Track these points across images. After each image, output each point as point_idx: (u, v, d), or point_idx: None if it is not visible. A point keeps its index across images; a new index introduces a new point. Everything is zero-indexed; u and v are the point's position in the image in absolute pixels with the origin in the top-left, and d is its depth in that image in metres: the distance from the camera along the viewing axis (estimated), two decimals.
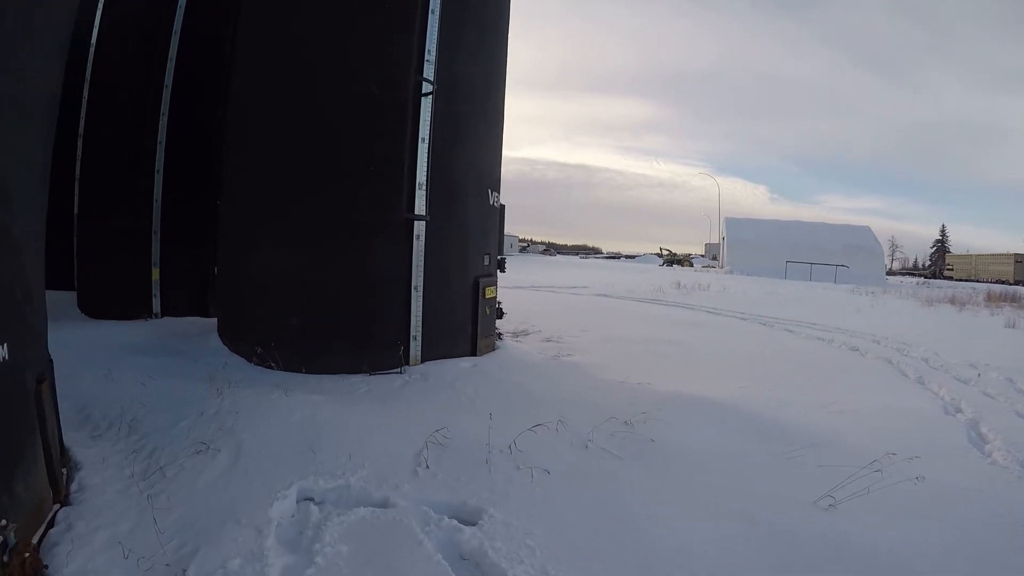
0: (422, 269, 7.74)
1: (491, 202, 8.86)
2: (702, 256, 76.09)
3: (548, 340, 10.92)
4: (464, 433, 5.31)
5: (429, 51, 7.60)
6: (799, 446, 5.74)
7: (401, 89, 7.38)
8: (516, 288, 20.07)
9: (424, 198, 7.63)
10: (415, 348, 7.84)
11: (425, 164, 7.63)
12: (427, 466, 4.75)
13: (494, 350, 9.14)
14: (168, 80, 10.99)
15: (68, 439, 5.13)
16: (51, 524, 3.83)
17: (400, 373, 7.50)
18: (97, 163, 11.43)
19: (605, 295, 20.26)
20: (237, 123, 8.63)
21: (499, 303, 9.89)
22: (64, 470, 4.63)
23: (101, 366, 6.87)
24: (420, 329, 7.84)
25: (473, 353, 8.57)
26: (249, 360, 7.84)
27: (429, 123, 7.65)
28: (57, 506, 4.03)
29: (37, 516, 3.71)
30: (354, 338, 7.57)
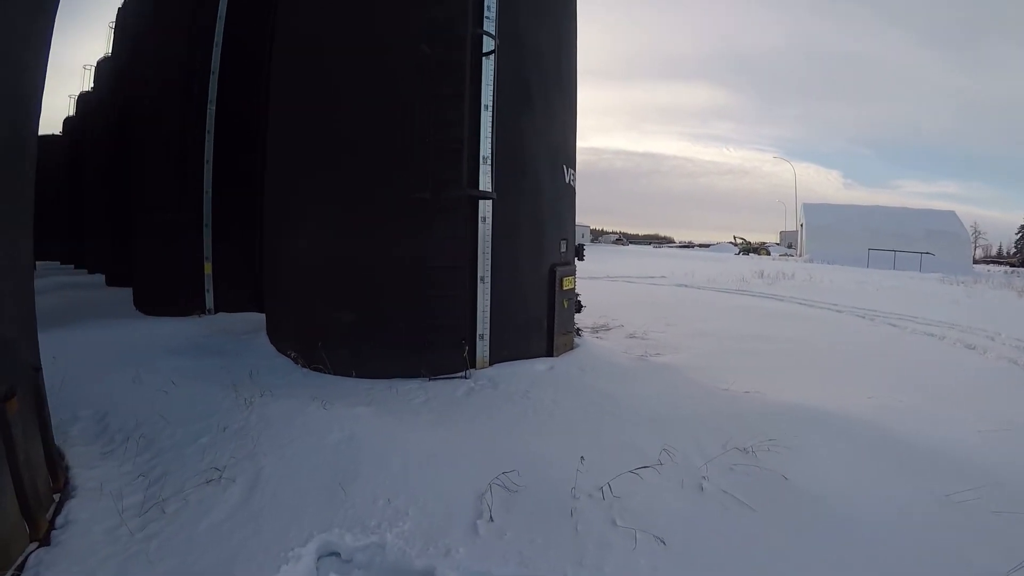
0: (489, 256, 6.50)
1: (567, 180, 7.54)
2: (777, 244, 72.09)
3: (632, 336, 9.53)
4: (541, 466, 4.05)
5: (488, 5, 6.35)
6: (963, 484, 4.19)
7: (457, 46, 6.11)
8: (591, 279, 18.64)
9: (490, 174, 6.38)
10: (482, 348, 6.63)
11: (489, 134, 6.37)
12: (491, 518, 3.50)
13: (573, 349, 7.84)
14: (215, 65, 10.17)
15: (78, 455, 4.52)
16: (21, 568, 3.17)
17: (465, 378, 6.30)
18: (146, 155, 10.80)
19: (685, 285, 18.54)
20: (279, 90, 7.61)
21: (577, 295, 8.60)
22: (56, 497, 3.93)
23: (134, 368, 6.29)
24: (488, 326, 6.61)
25: (549, 353, 7.30)
26: (296, 362, 6.84)
27: (492, 87, 6.38)
28: (34, 545, 3.36)
29: (2, 559, 3.09)
30: (412, 337, 6.40)
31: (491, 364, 6.66)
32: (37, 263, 22.13)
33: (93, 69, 19.70)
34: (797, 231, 65.49)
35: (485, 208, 6.43)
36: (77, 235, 20.33)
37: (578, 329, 8.84)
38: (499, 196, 6.47)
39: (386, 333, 6.46)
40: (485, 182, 6.35)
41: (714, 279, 20.13)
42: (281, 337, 7.48)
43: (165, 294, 10.33)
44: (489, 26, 6.29)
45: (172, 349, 7.56)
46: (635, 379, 6.67)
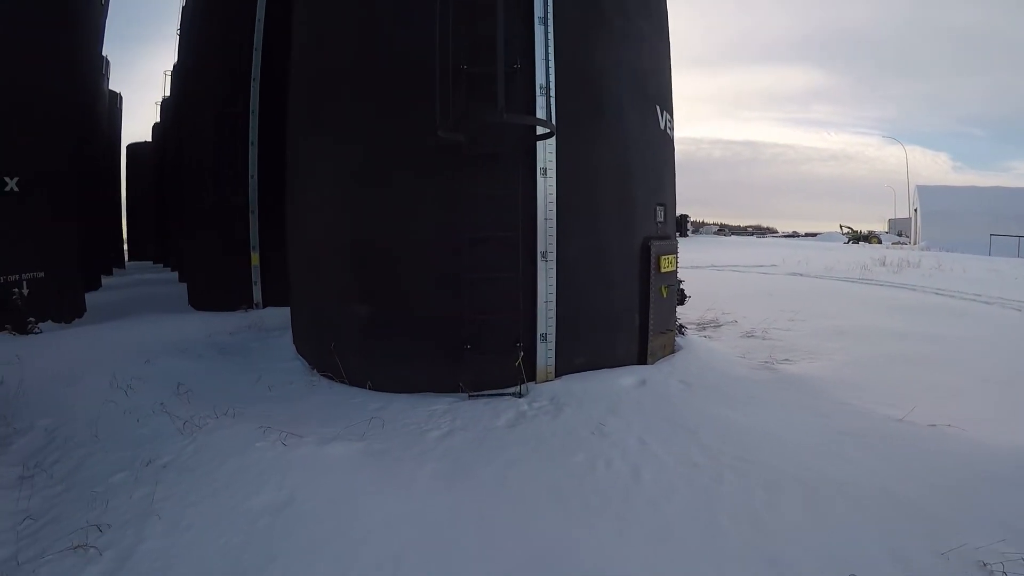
0: (554, 223, 4.44)
1: (662, 125, 5.30)
2: (886, 232, 64.94)
3: (749, 335, 7.14)
4: None
5: None
6: None
7: None
8: (694, 268, 15.87)
9: (547, 108, 4.33)
10: (545, 354, 4.58)
11: (545, 56, 4.33)
12: None
13: (673, 352, 5.63)
14: (257, 41, 8.65)
15: None
16: None
17: (517, 396, 4.30)
18: (192, 143, 9.47)
19: (800, 274, 15.39)
20: (295, 32, 5.91)
21: (680, 282, 6.37)
22: None
23: (123, 369, 5.15)
24: (553, 322, 4.55)
25: (642, 359, 5.12)
26: (312, 366, 5.09)
27: None
28: None
29: None
30: (444, 337, 4.47)
31: (558, 375, 4.61)
32: (133, 262, 22.22)
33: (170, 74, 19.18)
34: (911, 217, 58.34)
35: (546, 155, 4.36)
36: (164, 234, 19.98)
37: (680, 326, 6.59)
38: (568, 140, 4.41)
39: (410, 333, 4.60)
40: (544, 118, 4.29)
41: (831, 267, 16.84)
42: (298, 336, 5.75)
43: (213, 288, 9.08)
44: None
45: (181, 347, 6.38)
46: (765, 403, 4.41)
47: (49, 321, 7.96)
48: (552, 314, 4.55)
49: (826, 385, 5.00)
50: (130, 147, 23.56)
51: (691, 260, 17.13)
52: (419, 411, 3.98)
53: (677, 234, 6.08)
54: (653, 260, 5.08)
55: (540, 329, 4.54)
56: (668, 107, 5.48)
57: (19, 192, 7.72)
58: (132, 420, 3.87)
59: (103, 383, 4.74)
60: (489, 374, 4.43)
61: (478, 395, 4.32)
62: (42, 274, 7.96)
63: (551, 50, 4.33)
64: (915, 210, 56.43)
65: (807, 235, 62.82)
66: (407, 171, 4.58)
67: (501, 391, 4.39)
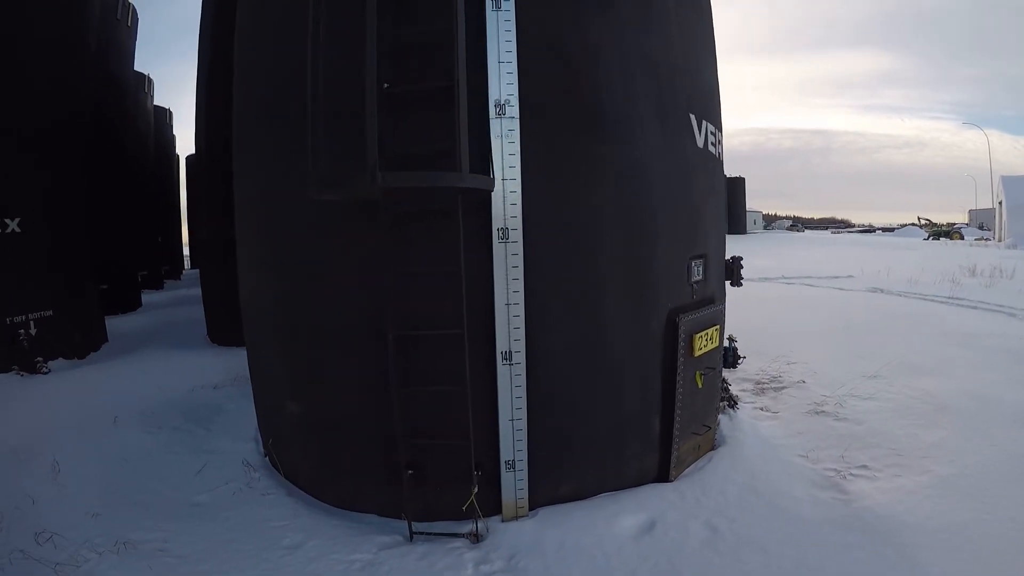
0: (521, 309, 2.79)
1: (700, 143, 3.50)
2: (967, 225, 58.57)
3: (819, 409, 5.19)
4: None
5: None
6: None
7: None
8: (762, 281, 13.74)
9: (514, 136, 2.68)
10: (513, 484, 2.96)
11: (511, 50, 2.69)
12: None
13: (713, 449, 3.89)
14: None
15: None
16: None
17: (474, 540, 2.76)
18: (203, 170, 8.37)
19: (880, 289, 12.80)
20: None
21: (731, 340, 4.59)
22: None
23: (70, 447, 4.58)
24: (523, 444, 2.92)
25: (662, 474, 3.42)
26: (264, 451, 4.02)
27: None
28: None
29: None
30: (380, 455, 3.01)
31: (536, 506, 3.01)
32: (194, 270, 21.93)
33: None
34: (994, 210, 52.17)
35: (506, 209, 2.71)
36: None
37: (731, 396, 4.82)
38: (545, 178, 2.75)
39: (344, 442, 3.16)
40: (504, 155, 2.65)
41: (915, 279, 14.12)
42: (256, 408, 4.40)
43: (228, 323, 8.06)
44: None
45: (152, 413, 5.53)
46: None
47: (60, 359, 7.35)
48: (522, 435, 2.91)
49: (922, 539, 3.11)
50: (189, 158, 23.33)
51: (760, 269, 14.84)
52: (333, 561, 2.86)
53: (730, 283, 4.28)
54: (683, 341, 3.33)
55: (505, 455, 2.92)
56: (712, 117, 3.66)
57: (20, 233, 7.06)
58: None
59: (31, 473, 4.10)
60: (442, 503, 2.90)
61: (422, 533, 2.78)
62: (50, 312, 7.35)
63: (512, 46, 2.67)
64: (999, 202, 50.33)
65: (884, 230, 57.65)
66: (323, 237, 3.07)
67: (453, 532, 2.83)
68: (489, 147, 2.65)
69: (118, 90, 12.24)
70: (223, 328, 8.31)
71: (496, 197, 2.68)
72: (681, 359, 3.35)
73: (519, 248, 2.73)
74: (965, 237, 45.59)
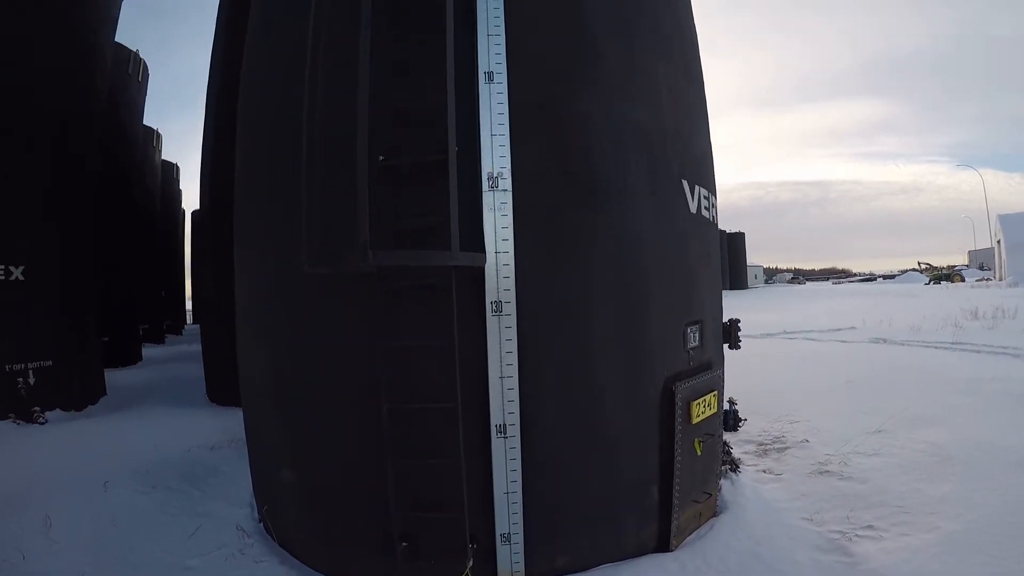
0: (515, 382, 2.75)
1: (694, 208, 3.52)
2: (967, 267, 58.62)
3: (823, 469, 5.05)
4: None
5: None
6: None
7: None
8: (764, 337, 13.67)
9: (507, 210, 2.70)
10: (509, 558, 2.86)
11: (498, 121, 2.73)
12: None
13: (714, 515, 3.78)
14: None
15: None
16: None
17: None
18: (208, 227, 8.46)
19: (883, 339, 12.64)
20: None
21: (731, 403, 4.52)
22: None
23: (64, 502, 4.53)
24: (518, 518, 2.83)
25: (662, 543, 3.30)
26: (259, 516, 3.88)
27: (502, 46, 2.78)
28: None
29: None
30: (374, 526, 2.91)
31: None
32: (196, 325, 21.94)
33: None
34: (993, 249, 52.22)
35: (499, 282, 2.70)
36: None
37: (732, 460, 4.72)
38: (538, 253, 2.75)
39: (337, 511, 3.07)
40: (497, 228, 2.66)
41: (917, 326, 14.04)
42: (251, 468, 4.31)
43: (226, 383, 7.99)
44: None
45: (146, 472, 5.45)
46: None
47: (58, 410, 7.32)
48: (517, 508, 2.83)
49: None
50: (194, 213, 23.69)
51: (762, 325, 14.73)
52: None
53: (728, 346, 4.23)
54: (680, 409, 3.27)
55: (500, 528, 2.84)
56: (705, 182, 3.69)
57: (24, 281, 7.12)
58: None
59: (22, 525, 4.07)
60: (435, 574, 2.80)
61: None
62: (50, 362, 7.35)
63: (504, 119, 2.72)
64: (998, 241, 50.50)
65: (885, 277, 57.90)
66: (318, 307, 3.08)
67: None
68: (481, 220, 2.66)
69: (127, 144, 12.51)
70: (222, 387, 8.23)
71: (489, 270, 2.68)
72: (679, 427, 3.28)
73: (512, 321, 2.71)
74: (966, 279, 45.62)
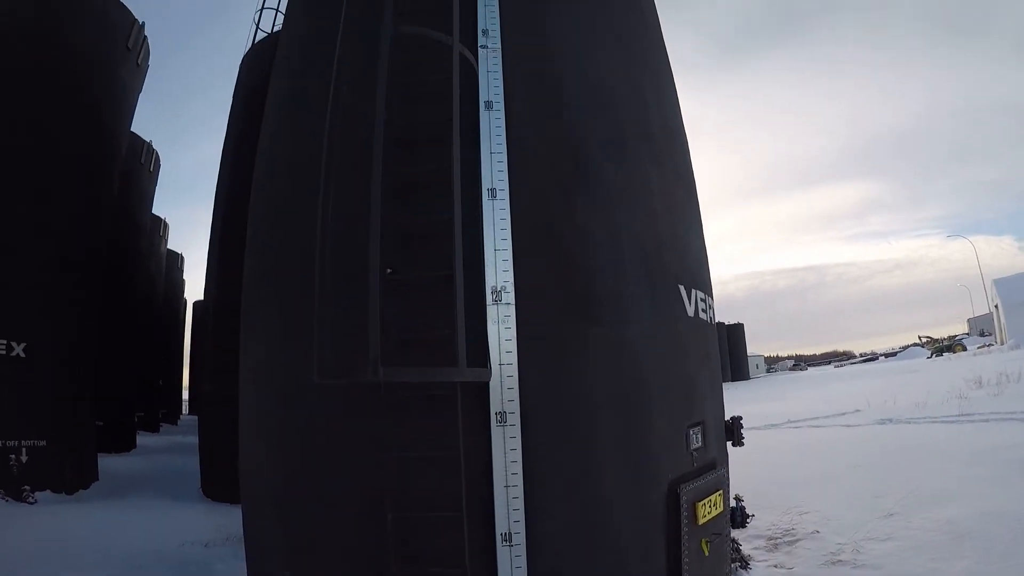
0: (520, 491, 2.76)
1: (691, 312, 3.64)
2: (967, 335, 58.63)
3: (834, 560, 4.92)
4: None
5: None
6: None
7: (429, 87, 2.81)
8: (768, 428, 13.37)
9: (502, 320, 2.81)
10: None
11: (501, 236, 2.89)
12: None
13: None
14: None
15: None
16: None
17: None
18: (212, 320, 8.60)
19: (890, 420, 12.47)
20: None
21: (738, 500, 4.48)
22: None
23: None
24: None
25: None
26: None
27: (504, 163, 2.99)
28: None
29: None
30: None
31: None
32: (191, 416, 21.67)
33: None
34: (992, 314, 52.36)
35: (503, 393, 2.78)
36: None
37: (742, 557, 4.64)
38: (540, 363, 2.84)
39: None
40: (501, 340, 2.76)
41: (922, 402, 13.91)
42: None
43: (224, 476, 7.88)
44: (490, 42, 2.95)
45: (139, 566, 5.33)
46: None
47: (48, 491, 7.23)
48: None
49: None
50: (196, 304, 23.98)
51: (765, 416, 14.58)
52: None
53: (731, 444, 4.25)
54: (686, 511, 3.27)
55: None
56: (702, 284, 3.83)
57: (25, 358, 7.16)
58: None
59: None
60: None
61: None
62: (44, 442, 7.32)
63: (507, 234, 2.88)
64: (995, 306, 50.73)
65: (887, 355, 57.81)
66: (326, 413, 3.13)
67: None
68: (486, 333, 2.77)
69: (135, 231, 12.86)
70: (219, 483, 8.09)
71: (493, 381, 2.76)
72: (685, 529, 3.27)
73: (517, 431, 2.77)
74: (968, 347, 45.48)
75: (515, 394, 2.77)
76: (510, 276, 2.84)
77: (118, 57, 9.29)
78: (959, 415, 11.97)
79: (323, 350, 2.78)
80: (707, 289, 3.83)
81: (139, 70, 10.03)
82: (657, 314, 3.28)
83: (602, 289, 3.07)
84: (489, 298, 2.80)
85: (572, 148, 3.17)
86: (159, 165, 13.67)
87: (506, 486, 2.76)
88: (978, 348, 44.01)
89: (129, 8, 9.59)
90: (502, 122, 3.00)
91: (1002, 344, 42.21)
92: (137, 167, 12.36)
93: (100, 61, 8.85)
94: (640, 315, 3.17)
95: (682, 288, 3.47)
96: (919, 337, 56.06)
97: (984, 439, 9.10)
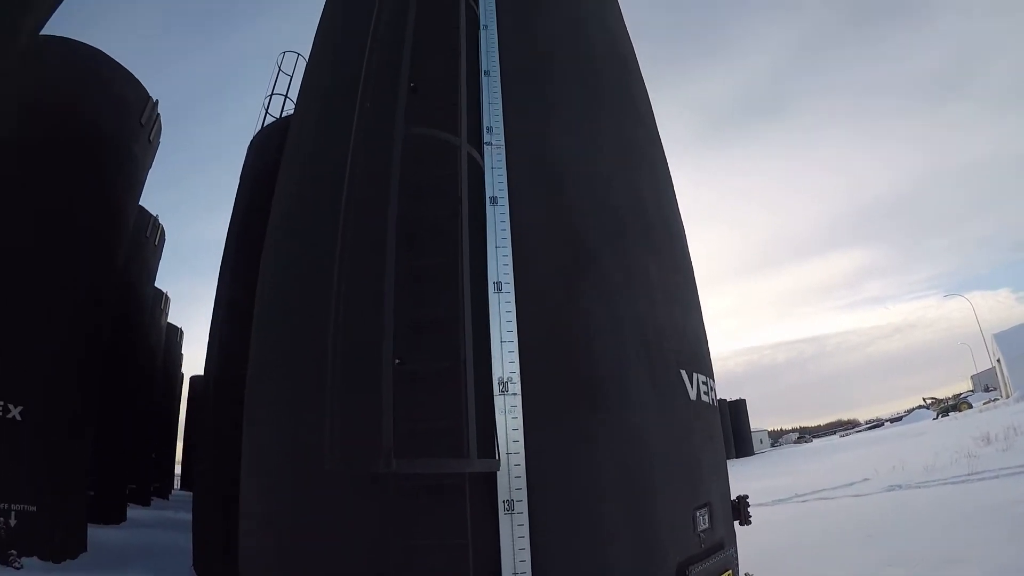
0: (529, 574, 2.82)
1: (693, 395, 3.72)
2: (972, 391, 58.27)
3: None
4: None
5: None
6: None
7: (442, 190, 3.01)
8: (776, 503, 13.19)
9: (509, 410, 2.90)
10: None
11: (506, 329, 3.02)
12: None
13: None
14: None
15: None
16: None
17: None
18: (212, 396, 8.63)
19: (899, 486, 12.35)
20: None
21: None
22: None
23: None
24: None
25: None
26: None
27: (509, 257, 3.16)
28: None
29: None
30: None
31: None
32: (183, 491, 21.24)
33: None
34: (995, 369, 52.19)
35: (511, 483, 2.84)
36: None
37: None
38: (546, 453, 2.91)
39: None
40: (508, 430, 2.85)
41: (931, 465, 13.72)
42: None
43: (217, 555, 7.69)
44: (494, 139, 3.16)
45: None
46: None
47: (35, 557, 7.07)
48: None
49: None
50: (193, 379, 23.98)
51: (771, 491, 14.31)
52: None
53: (738, 522, 4.25)
54: None
55: None
56: (703, 367, 3.94)
57: (20, 421, 7.11)
58: None
59: None
60: None
61: None
62: (34, 508, 7.18)
63: (513, 326, 3.01)
64: (998, 360, 50.57)
65: (892, 420, 57.37)
66: (331, 498, 3.17)
67: None
68: (494, 423, 2.85)
69: (136, 304, 12.98)
70: (212, 561, 7.90)
71: (501, 471, 2.82)
72: None
73: (524, 519, 2.81)
74: (973, 404, 45.09)
75: (522, 482, 2.83)
76: (516, 367, 2.94)
77: (131, 132, 9.66)
78: (969, 474, 11.84)
79: (334, 438, 2.84)
80: (708, 371, 3.94)
81: (150, 146, 10.40)
82: (660, 400, 3.38)
83: (606, 377, 3.18)
84: (496, 388, 2.90)
85: (574, 240, 3.35)
86: (164, 239, 13.96)
87: (515, 574, 2.78)
88: (984, 404, 43.63)
89: (143, 85, 10.07)
90: (506, 217, 3.18)
91: (1007, 398, 41.90)
92: (143, 240, 12.62)
93: (113, 136, 9.21)
94: (643, 402, 3.26)
95: (684, 373, 3.58)
96: (923, 399, 55.64)
97: (995, 496, 9.00)
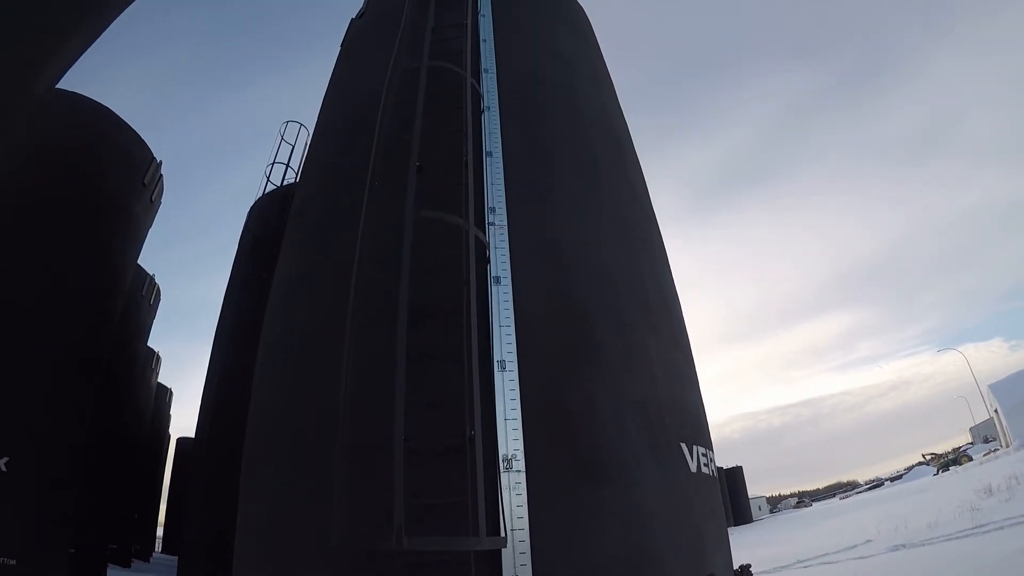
0: None
1: (694, 467, 3.79)
2: (971, 444, 58.02)
3: None
4: None
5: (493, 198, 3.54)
6: None
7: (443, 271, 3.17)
8: (778, 571, 12.90)
9: (513, 487, 2.99)
10: None
11: (510, 407, 3.13)
12: None
13: None
14: None
15: None
16: None
17: None
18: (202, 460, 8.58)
19: (903, 545, 12.17)
20: None
21: None
22: None
23: None
24: None
25: None
26: None
27: (513, 336, 3.31)
28: None
29: None
30: None
31: None
32: (164, 555, 20.62)
33: None
34: (993, 419, 52.14)
35: (515, 559, 2.90)
36: None
37: None
38: (552, 530, 2.98)
39: None
40: (512, 506, 2.92)
41: (934, 521, 13.61)
42: None
43: None
44: (497, 219, 3.35)
45: None
46: None
47: None
48: None
49: None
50: (180, 440, 23.67)
51: (774, 558, 14.09)
52: None
53: None
54: None
55: None
56: (702, 440, 4.03)
57: (6, 473, 7.03)
58: None
59: None
60: None
61: None
62: (14, 562, 7.04)
63: (516, 404, 3.12)
64: (995, 410, 50.54)
65: (892, 479, 57.02)
66: (334, 569, 3.20)
67: None
68: (499, 501, 2.93)
69: (127, 363, 12.92)
70: None
71: (508, 550, 2.88)
72: None
73: None
74: (973, 457, 44.79)
75: (527, 558, 2.89)
76: (520, 445, 3.04)
77: (134, 192, 9.86)
78: (973, 528, 11.74)
79: (342, 515, 2.89)
80: (707, 443, 4.04)
81: (152, 206, 10.59)
82: (662, 474, 3.47)
83: (608, 452, 3.28)
84: (501, 466, 2.99)
85: (575, 319, 3.50)
86: (159, 298, 14.01)
87: None
88: (984, 456, 43.34)
89: (148, 145, 10.34)
90: (510, 296, 3.34)
91: (1007, 447, 41.71)
92: (138, 299, 12.67)
93: (116, 195, 9.39)
94: (645, 475, 3.35)
95: (684, 446, 3.68)
96: (923, 455, 55.49)
97: (1000, 548, 8.95)
